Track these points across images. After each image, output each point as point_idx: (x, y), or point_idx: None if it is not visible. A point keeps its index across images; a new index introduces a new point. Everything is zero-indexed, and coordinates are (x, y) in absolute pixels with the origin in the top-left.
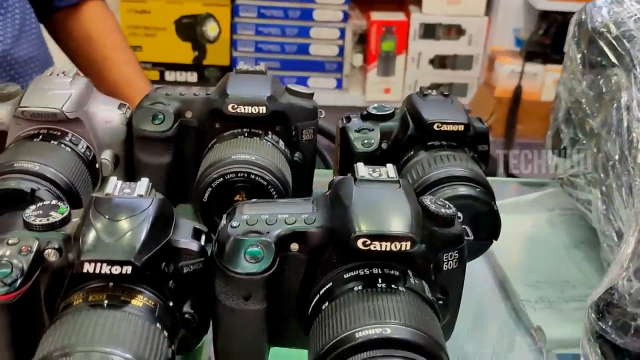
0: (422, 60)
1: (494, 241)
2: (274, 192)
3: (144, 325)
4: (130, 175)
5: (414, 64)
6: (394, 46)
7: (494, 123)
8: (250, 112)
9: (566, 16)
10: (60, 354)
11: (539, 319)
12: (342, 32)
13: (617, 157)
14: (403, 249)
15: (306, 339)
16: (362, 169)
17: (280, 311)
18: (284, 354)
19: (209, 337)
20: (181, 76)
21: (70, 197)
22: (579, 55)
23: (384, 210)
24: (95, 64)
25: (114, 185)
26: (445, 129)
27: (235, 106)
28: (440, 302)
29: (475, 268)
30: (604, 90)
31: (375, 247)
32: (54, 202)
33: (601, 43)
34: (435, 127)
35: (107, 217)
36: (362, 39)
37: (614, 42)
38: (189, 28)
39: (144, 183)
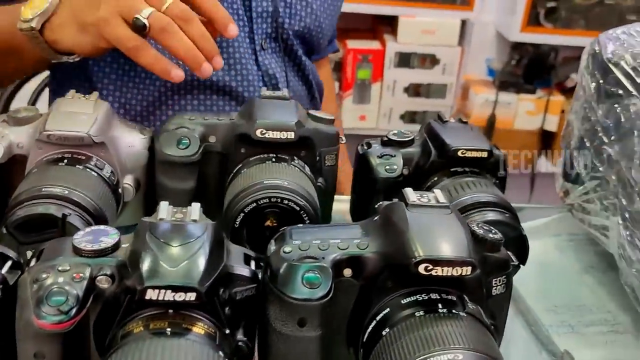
0: (397, 88)
1: (522, 266)
2: (306, 218)
3: (209, 354)
4: (151, 200)
5: (389, 92)
6: (370, 74)
7: None
8: (278, 137)
9: (538, 48)
10: None
11: (564, 344)
12: None
13: None
14: (463, 274)
15: None
16: (411, 194)
17: (332, 337)
18: None
19: None
20: None
21: (99, 223)
22: (593, 85)
23: (441, 235)
24: None
25: (166, 210)
26: (470, 155)
27: (264, 131)
28: (492, 327)
29: None
30: (622, 119)
31: (436, 272)
32: (102, 227)
33: (617, 73)
34: (459, 153)
35: (164, 242)
36: (337, 67)
37: (631, 72)
38: None
39: (195, 208)
